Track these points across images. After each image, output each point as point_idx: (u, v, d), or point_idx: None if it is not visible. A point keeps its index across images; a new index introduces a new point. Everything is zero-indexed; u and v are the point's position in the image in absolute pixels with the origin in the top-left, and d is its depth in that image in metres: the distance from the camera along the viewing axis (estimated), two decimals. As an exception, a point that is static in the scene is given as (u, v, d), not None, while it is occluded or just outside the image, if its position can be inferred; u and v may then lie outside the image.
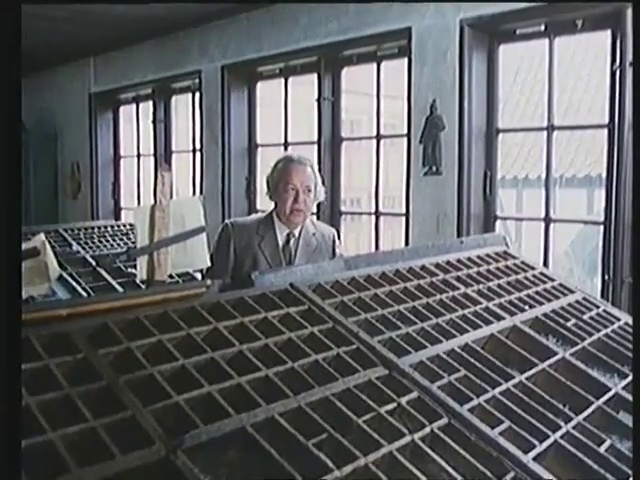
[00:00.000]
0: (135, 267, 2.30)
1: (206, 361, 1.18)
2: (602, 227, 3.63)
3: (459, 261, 2.01)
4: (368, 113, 6.15)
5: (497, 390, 1.32)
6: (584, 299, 1.97)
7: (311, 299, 1.50)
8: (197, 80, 5.81)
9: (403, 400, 1.20)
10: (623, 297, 3.49)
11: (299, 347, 1.30)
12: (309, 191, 2.91)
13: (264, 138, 5.72)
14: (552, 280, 2.06)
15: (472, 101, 4.00)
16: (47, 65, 7.40)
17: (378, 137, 4.76)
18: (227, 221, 3.05)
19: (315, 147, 4.98)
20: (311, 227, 3.03)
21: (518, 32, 3.95)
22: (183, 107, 6.52)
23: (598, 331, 1.76)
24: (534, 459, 1.13)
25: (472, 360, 1.43)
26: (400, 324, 1.51)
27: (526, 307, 1.81)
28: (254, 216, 3.29)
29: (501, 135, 4.16)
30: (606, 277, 3.55)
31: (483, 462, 1.09)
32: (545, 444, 1.19)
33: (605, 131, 3.60)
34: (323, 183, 3.06)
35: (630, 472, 1.16)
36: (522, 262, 2.15)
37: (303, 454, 0.99)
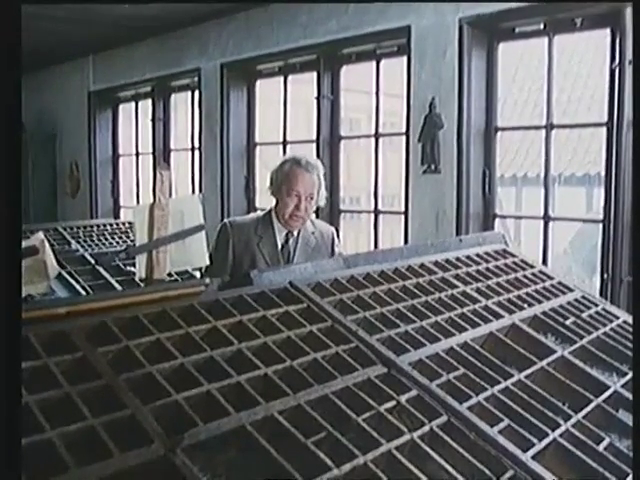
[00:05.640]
0: (134, 265, 2.30)
1: (205, 359, 1.18)
2: (601, 225, 3.63)
3: (458, 259, 2.01)
4: (367, 111, 6.15)
5: (496, 388, 1.32)
6: (583, 297, 1.97)
7: (310, 297, 1.51)
8: (196, 78, 5.81)
9: (402, 398, 1.20)
10: (622, 295, 3.49)
11: (298, 345, 1.30)
12: (311, 199, 2.91)
13: (263, 136, 5.71)
14: (551, 278, 2.07)
15: (471, 99, 4.00)
16: (46, 64, 7.38)
17: (377, 135, 4.75)
18: (226, 220, 3.05)
19: (314, 145, 4.97)
20: (310, 226, 3.02)
21: (517, 30, 3.94)
22: (182, 105, 6.51)
23: (597, 329, 1.76)
24: (533, 457, 1.14)
25: (471, 358, 1.43)
26: (399, 322, 1.51)
27: (525, 305, 1.81)
28: (253, 215, 3.28)
29: (500, 133, 4.16)
30: (605, 275, 3.55)
31: (482, 460, 1.09)
32: (544, 442, 1.19)
33: (604, 129, 3.60)
34: (326, 187, 3.05)
35: (629, 470, 1.16)
36: (521, 260, 2.15)
37: (302, 453, 0.99)
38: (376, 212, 4.79)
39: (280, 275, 1.59)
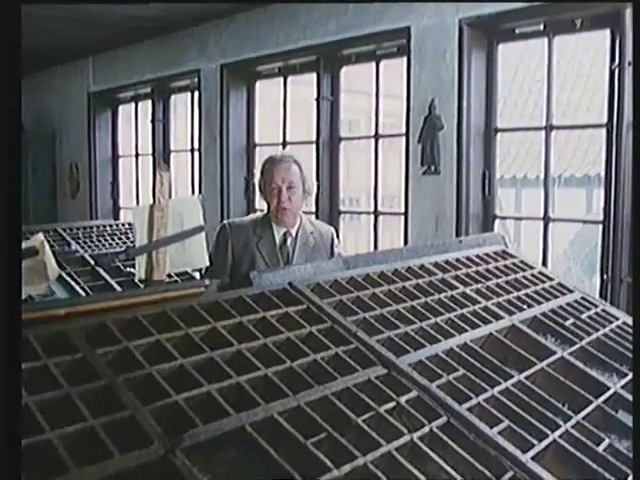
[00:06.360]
0: (134, 266, 2.30)
1: (205, 360, 1.18)
2: (601, 226, 3.63)
3: (458, 260, 2.01)
4: (367, 112, 6.15)
5: (496, 389, 1.32)
6: (583, 298, 1.97)
7: (310, 298, 1.50)
8: (196, 79, 5.81)
9: (402, 399, 1.20)
10: (622, 296, 3.49)
11: (298, 346, 1.30)
12: (293, 187, 2.92)
13: (263, 137, 5.71)
14: (551, 279, 2.07)
15: (471, 100, 4.00)
16: (46, 64, 7.38)
17: (377, 136, 4.75)
18: (225, 222, 3.06)
19: (314, 147, 4.98)
20: (309, 226, 3.04)
21: (517, 31, 3.95)
22: (182, 106, 6.51)
23: (597, 330, 1.76)
24: (533, 458, 1.13)
25: (471, 359, 1.43)
26: (399, 323, 1.51)
27: (525, 306, 1.81)
28: (252, 216, 3.30)
29: (500, 134, 4.16)
30: (605, 276, 3.55)
31: (482, 461, 1.09)
32: (544, 443, 1.19)
33: (603, 130, 3.60)
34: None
35: (629, 471, 1.16)
36: (521, 261, 2.15)
37: (302, 453, 0.99)
38: (376, 213, 4.79)
39: (280, 276, 1.59)
